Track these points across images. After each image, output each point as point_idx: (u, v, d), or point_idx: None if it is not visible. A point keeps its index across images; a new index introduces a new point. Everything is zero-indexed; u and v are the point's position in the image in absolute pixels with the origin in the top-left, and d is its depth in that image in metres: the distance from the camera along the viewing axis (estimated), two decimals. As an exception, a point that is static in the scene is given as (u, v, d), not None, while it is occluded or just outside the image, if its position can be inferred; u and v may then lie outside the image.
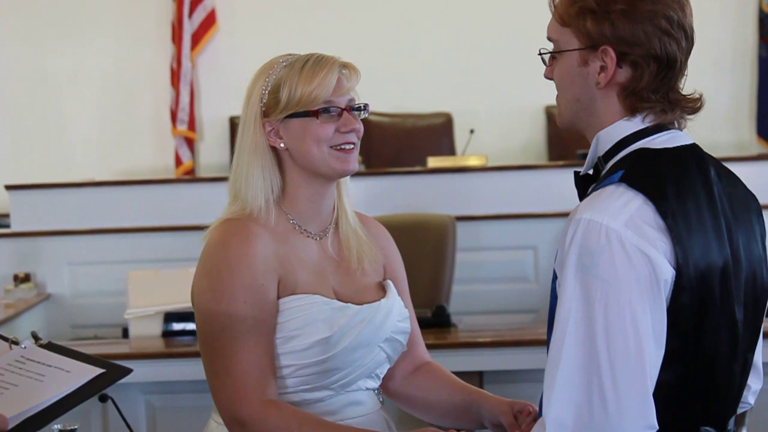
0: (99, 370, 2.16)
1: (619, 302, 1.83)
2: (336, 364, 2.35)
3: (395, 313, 2.46)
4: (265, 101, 2.40)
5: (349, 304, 2.40)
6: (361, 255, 2.49)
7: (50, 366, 2.18)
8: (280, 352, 2.34)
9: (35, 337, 2.28)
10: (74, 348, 2.29)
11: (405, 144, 7.59)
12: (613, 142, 2.00)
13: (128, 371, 2.17)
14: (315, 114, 2.37)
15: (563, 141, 7.35)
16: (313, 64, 2.38)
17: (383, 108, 7.36)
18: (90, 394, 2.14)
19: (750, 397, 2.15)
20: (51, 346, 2.26)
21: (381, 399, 2.52)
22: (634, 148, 1.98)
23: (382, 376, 2.50)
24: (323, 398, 2.38)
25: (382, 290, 2.51)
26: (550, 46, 2.07)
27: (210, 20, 7.91)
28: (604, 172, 2.00)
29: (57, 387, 2.12)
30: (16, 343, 2.25)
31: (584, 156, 2.11)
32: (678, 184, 1.93)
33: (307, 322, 2.34)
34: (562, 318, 1.86)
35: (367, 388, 2.46)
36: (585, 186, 2.04)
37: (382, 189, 5.72)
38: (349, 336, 2.35)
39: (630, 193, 1.89)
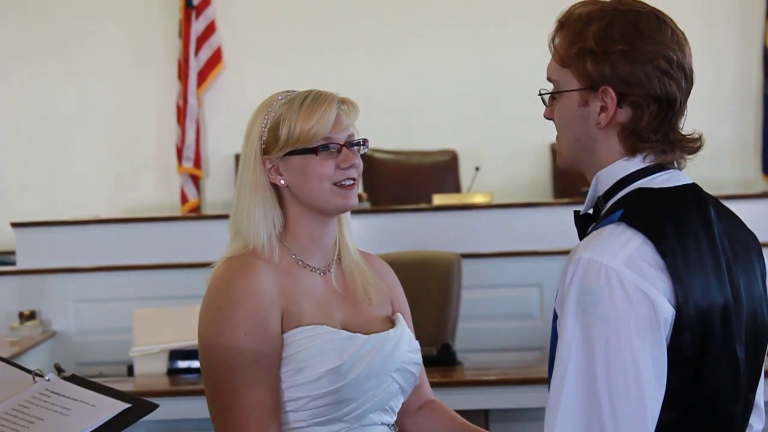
0: (125, 405, 2.15)
1: (619, 341, 1.83)
2: (348, 395, 2.33)
3: (404, 343, 2.45)
4: (264, 138, 2.40)
5: (357, 334, 2.39)
6: (367, 286, 2.49)
7: (75, 400, 2.17)
8: (291, 385, 2.33)
9: (58, 369, 2.26)
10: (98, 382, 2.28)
11: (410, 181, 7.58)
12: (613, 182, 2.00)
13: (154, 407, 2.16)
14: (314, 151, 2.37)
15: (568, 178, 7.34)
16: (312, 100, 2.39)
17: (388, 145, 7.37)
18: (116, 429, 2.12)
19: (752, 437, 2.14)
20: (75, 379, 2.24)
21: None
22: (634, 188, 1.98)
23: (396, 409, 2.48)
24: (337, 432, 2.37)
25: (390, 322, 2.50)
26: (550, 87, 2.07)
27: (216, 58, 7.95)
28: (603, 211, 2.00)
29: (83, 422, 2.10)
30: (40, 375, 2.23)
31: (589, 194, 2.10)
32: (678, 224, 1.93)
33: (316, 353, 2.32)
34: (562, 357, 1.86)
35: (383, 423, 2.43)
36: (585, 225, 2.04)
37: (387, 226, 5.71)
38: (360, 365, 2.34)
39: (629, 233, 1.89)
